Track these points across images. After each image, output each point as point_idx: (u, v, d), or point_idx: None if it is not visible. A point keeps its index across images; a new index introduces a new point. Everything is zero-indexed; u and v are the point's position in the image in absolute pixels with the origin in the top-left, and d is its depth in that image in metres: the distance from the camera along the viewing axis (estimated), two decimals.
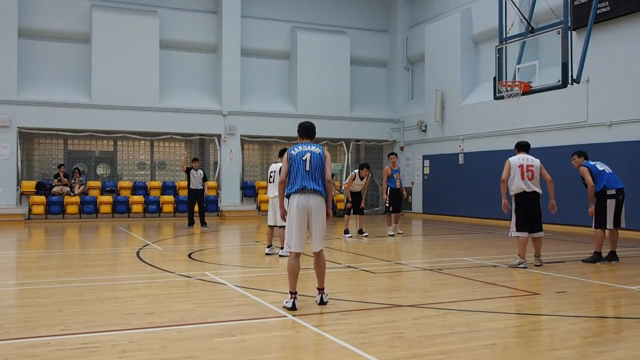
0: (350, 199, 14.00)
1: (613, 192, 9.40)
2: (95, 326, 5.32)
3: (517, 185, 8.98)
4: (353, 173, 13.97)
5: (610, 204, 9.37)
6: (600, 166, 9.62)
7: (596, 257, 9.49)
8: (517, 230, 9.03)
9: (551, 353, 4.62)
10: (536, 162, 9.09)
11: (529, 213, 9.00)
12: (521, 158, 9.10)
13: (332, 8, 22.60)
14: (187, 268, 9.04)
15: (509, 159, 9.18)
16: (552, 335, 5.21)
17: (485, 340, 4.92)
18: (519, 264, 8.91)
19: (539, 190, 9.02)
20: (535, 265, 9.05)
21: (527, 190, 8.93)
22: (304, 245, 6.17)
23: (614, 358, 4.52)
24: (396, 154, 14.72)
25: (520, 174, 8.95)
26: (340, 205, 20.81)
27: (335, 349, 4.70)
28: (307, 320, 5.54)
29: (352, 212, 13.96)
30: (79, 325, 5.34)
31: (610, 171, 9.59)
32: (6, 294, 7.24)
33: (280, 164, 9.33)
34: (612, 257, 9.57)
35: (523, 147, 9.30)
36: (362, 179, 13.79)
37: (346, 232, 13.74)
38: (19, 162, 18.55)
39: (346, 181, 14.41)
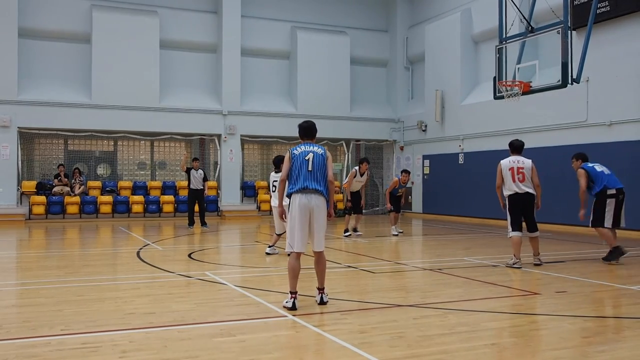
0: (349, 198, 14.01)
1: (613, 191, 9.38)
2: (95, 326, 5.33)
3: (509, 187, 9.06)
4: (353, 170, 13.92)
5: (610, 203, 9.36)
6: (598, 167, 9.60)
7: (615, 252, 9.29)
8: (512, 230, 9.07)
9: (551, 353, 4.63)
10: (527, 163, 9.07)
11: (523, 213, 9.07)
12: (512, 160, 9.12)
13: (332, 8, 22.60)
14: (187, 268, 9.04)
15: (501, 162, 9.21)
16: (552, 335, 5.21)
17: (485, 340, 4.93)
18: (513, 264, 8.94)
19: (531, 191, 9.04)
20: (535, 265, 9.06)
21: (519, 191, 8.99)
22: (306, 245, 6.17)
23: (614, 358, 4.52)
24: (409, 172, 14.72)
25: (511, 177, 9.02)
26: (340, 205, 20.81)
27: (336, 349, 4.70)
28: (307, 320, 5.55)
29: (352, 212, 13.98)
30: (79, 325, 5.34)
31: (609, 172, 9.58)
32: (6, 294, 7.24)
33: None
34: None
35: (515, 148, 9.27)
36: (362, 174, 13.72)
37: (346, 231, 13.77)
38: (20, 162, 18.55)
39: (346, 180, 14.41)
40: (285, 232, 9.93)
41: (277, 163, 10.07)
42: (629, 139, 14.20)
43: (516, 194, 9.01)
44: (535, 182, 9.08)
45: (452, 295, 6.91)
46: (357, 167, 13.88)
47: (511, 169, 9.04)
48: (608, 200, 9.36)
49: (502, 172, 9.10)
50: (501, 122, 17.78)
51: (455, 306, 6.22)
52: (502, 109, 16.72)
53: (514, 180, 9.00)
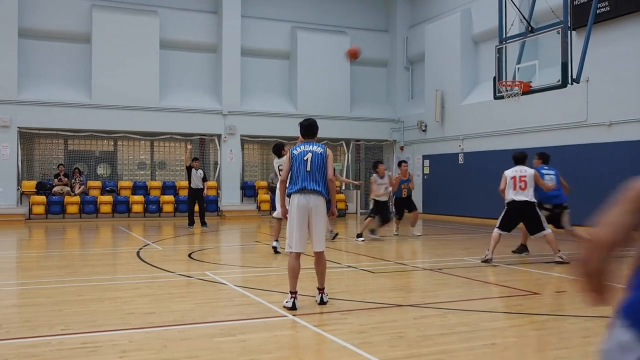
0: (376, 207, 12.93)
1: (549, 206, 9.74)
2: (95, 326, 5.33)
3: (508, 195, 9.45)
4: (373, 177, 13.01)
5: (543, 213, 9.67)
6: (547, 179, 9.76)
7: (523, 248, 10.37)
8: (497, 227, 9.51)
9: (551, 353, 4.63)
10: (529, 172, 9.43)
11: (522, 219, 9.45)
12: (515, 170, 9.51)
13: (332, 8, 22.60)
14: (187, 268, 9.04)
15: (505, 172, 9.58)
16: (552, 335, 5.21)
17: (485, 340, 4.93)
18: (484, 257, 9.34)
19: (530, 199, 9.33)
20: (556, 263, 9.20)
21: (517, 199, 9.33)
22: (305, 245, 6.17)
23: None
24: (407, 162, 14.24)
25: (512, 185, 9.39)
26: (341, 205, 20.81)
27: (336, 349, 4.70)
28: (307, 320, 5.55)
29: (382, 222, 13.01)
30: (79, 325, 5.34)
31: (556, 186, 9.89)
32: (6, 294, 7.24)
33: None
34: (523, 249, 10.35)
35: (518, 160, 9.64)
36: (382, 177, 12.88)
37: (367, 232, 13.05)
38: (20, 162, 18.55)
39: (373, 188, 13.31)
40: (280, 217, 9.95)
41: (278, 151, 10.58)
42: (629, 139, 14.19)
43: (514, 201, 9.37)
44: (542, 185, 9.42)
45: (452, 295, 6.91)
46: (375, 174, 12.96)
47: (513, 177, 9.43)
48: (542, 212, 9.66)
49: (505, 180, 9.48)
50: (501, 122, 17.78)
51: (455, 306, 6.22)
52: (502, 109, 16.71)
53: (515, 189, 9.38)
